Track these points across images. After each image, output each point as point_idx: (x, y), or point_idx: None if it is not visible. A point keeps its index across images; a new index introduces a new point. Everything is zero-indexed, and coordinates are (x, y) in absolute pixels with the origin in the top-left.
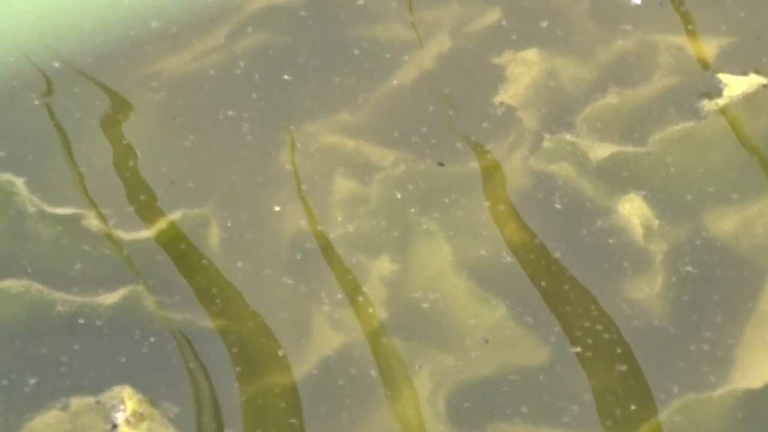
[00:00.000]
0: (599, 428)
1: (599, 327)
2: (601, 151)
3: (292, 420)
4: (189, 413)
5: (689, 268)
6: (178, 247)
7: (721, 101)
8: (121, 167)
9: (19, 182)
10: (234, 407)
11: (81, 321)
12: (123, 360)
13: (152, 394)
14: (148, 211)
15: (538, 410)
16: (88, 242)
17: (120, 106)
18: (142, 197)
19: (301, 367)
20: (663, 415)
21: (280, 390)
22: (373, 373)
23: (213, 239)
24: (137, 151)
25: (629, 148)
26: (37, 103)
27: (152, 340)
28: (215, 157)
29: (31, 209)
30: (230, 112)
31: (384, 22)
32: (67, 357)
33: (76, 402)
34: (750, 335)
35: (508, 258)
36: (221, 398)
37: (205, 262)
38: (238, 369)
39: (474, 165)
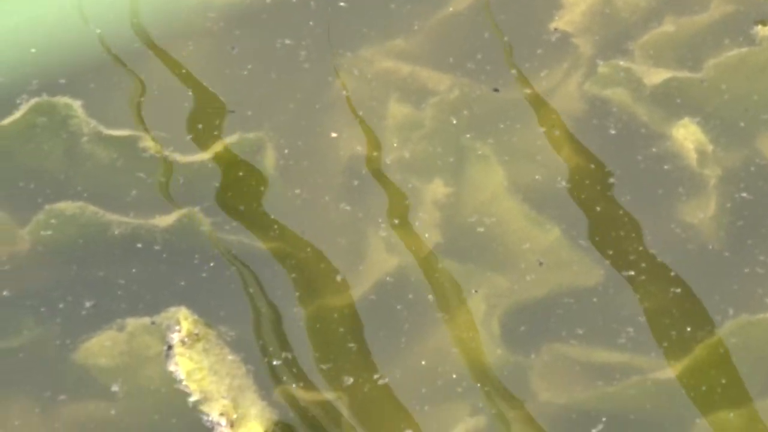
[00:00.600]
0: (655, 350)
1: (653, 251)
2: (656, 76)
3: (351, 345)
4: (246, 336)
5: (744, 194)
6: (236, 174)
7: None
8: (178, 95)
9: (77, 105)
10: (292, 332)
11: (139, 245)
12: (182, 284)
13: (209, 317)
14: (206, 137)
15: (593, 332)
16: (143, 165)
17: (178, 36)
18: (200, 125)
19: (359, 292)
20: (718, 336)
21: (339, 315)
22: (430, 297)
23: (270, 165)
24: (195, 80)
25: (684, 74)
26: (98, 32)
27: (211, 264)
28: (273, 85)
29: (88, 132)
30: (287, 41)
31: None
32: (125, 280)
33: (132, 323)
34: None
35: (563, 182)
36: (279, 323)
37: (262, 188)
38: (297, 294)
39: (529, 91)
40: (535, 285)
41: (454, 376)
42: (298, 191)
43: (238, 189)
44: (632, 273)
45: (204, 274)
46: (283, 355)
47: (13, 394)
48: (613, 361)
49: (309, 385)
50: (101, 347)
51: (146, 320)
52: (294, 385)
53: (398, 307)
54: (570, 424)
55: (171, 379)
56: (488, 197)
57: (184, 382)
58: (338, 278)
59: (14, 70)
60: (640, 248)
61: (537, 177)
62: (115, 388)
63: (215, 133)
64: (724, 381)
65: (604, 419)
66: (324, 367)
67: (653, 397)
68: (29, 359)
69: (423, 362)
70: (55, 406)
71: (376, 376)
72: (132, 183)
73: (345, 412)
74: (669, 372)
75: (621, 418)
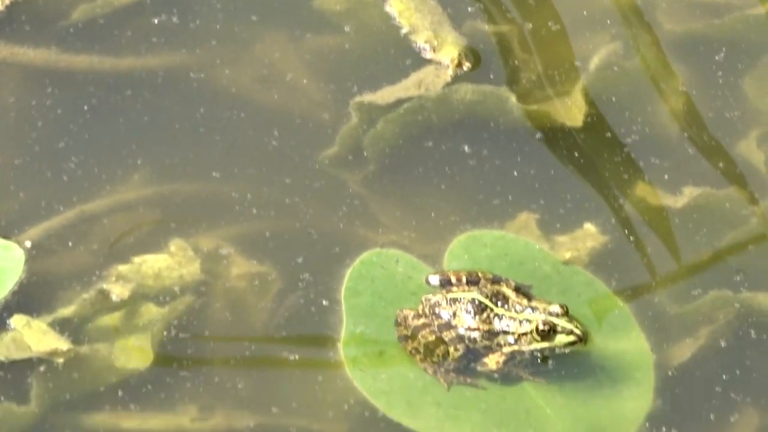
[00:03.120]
0: None
1: None
2: None
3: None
4: None
5: None
6: None
7: None
8: None
9: None
10: None
11: None
12: None
13: None
14: None
15: None
16: None
17: None
18: None
19: None
20: None
21: None
22: None
23: None
24: None
25: None
26: None
27: None
28: None
29: None
30: None
31: None
32: None
33: None
34: None
35: None
36: None
37: None
38: None
39: None
40: None
41: (608, 21)
42: None
43: None
44: None
45: None
46: (476, 4)
47: (271, 31)
48: (720, 3)
49: (493, 22)
50: None
51: None
52: (483, 24)
53: None
54: (695, 51)
55: (387, 18)
56: None
57: (397, 19)
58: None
59: None
60: None
61: None
62: (347, 28)
63: None
64: None
65: (724, 48)
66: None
67: (753, 29)
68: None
69: None
70: (303, 41)
71: (550, 23)
72: None
73: (520, 44)
74: (761, 9)
75: (735, 48)
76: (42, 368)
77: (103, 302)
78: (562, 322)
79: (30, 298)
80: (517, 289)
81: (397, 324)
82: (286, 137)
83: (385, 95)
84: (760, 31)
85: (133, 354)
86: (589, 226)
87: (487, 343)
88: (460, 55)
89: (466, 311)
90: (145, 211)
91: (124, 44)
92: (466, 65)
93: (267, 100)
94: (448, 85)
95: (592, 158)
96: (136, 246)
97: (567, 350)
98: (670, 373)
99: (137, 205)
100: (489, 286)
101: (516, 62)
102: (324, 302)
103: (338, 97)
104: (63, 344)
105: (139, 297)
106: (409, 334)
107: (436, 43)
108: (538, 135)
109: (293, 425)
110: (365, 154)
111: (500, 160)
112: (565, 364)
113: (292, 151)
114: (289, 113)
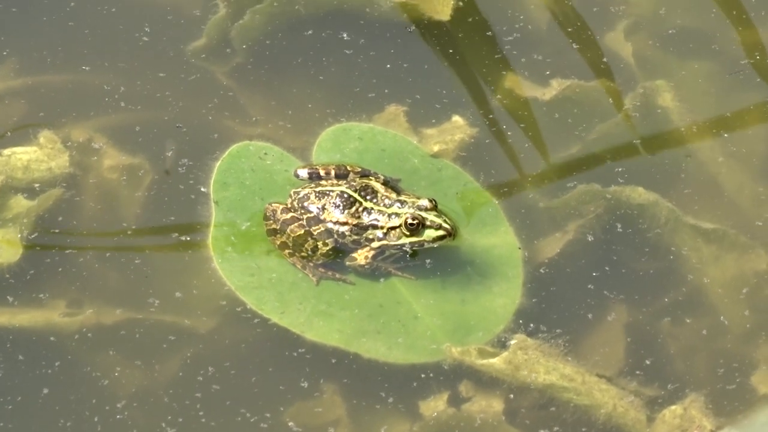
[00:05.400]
0: None
1: None
2: None
3: None
4: None
5: None
6: None
7: None
8: None
9: None
10: None
11: None
12: None
13: None
14: None
15: None
16: None
17: None
18: None
19: None
20: None
21: None
22: None
23: None
24: None
25: None
26: None
27: None
28: None
29: None
30: None
31: None
32: None
33: None
34: None
35: None
36: None
37: None
38: None
39: None
40: None
41: None
42: None
43: None
44: None
45: None
46: None
47: None
48: None
49: None
50: None
51: None
52: None
53: None
54: None
55: None
56: None
57: None
58: None
59: None
60: None
61: None
62: None
63: None
64: None
65: None
66: None
67: None
68: None
69: None
70: None
71: None
72: None
73: None
74: None
75: None
76: None
77: None
78: (430, 217)
79: None
80: (386, 183)
81: (266, 218)
82: (157, 32)
83: None
84: None
85: (2, 248)
86: (457, 119)
87: (356, 237)
88: None
89: (335, 205)
90: (12, 103)
91: None
92: None
93: None
94: None
95: (464, 53)
96: (4, 138)
97: (436, 245)
98: (542, 270)
99: (4, 96)
100: (358, 179)
101: None
102: (194, 195)
103: None
104: None
105: (8, 190)
106: (278, 228)
107: None
108: (411, 28)
109: (163, 320)
110: (234, 45)
111: (375, 52)
112: (435, 260)
113: (164, 45)
114: (160, 7)
